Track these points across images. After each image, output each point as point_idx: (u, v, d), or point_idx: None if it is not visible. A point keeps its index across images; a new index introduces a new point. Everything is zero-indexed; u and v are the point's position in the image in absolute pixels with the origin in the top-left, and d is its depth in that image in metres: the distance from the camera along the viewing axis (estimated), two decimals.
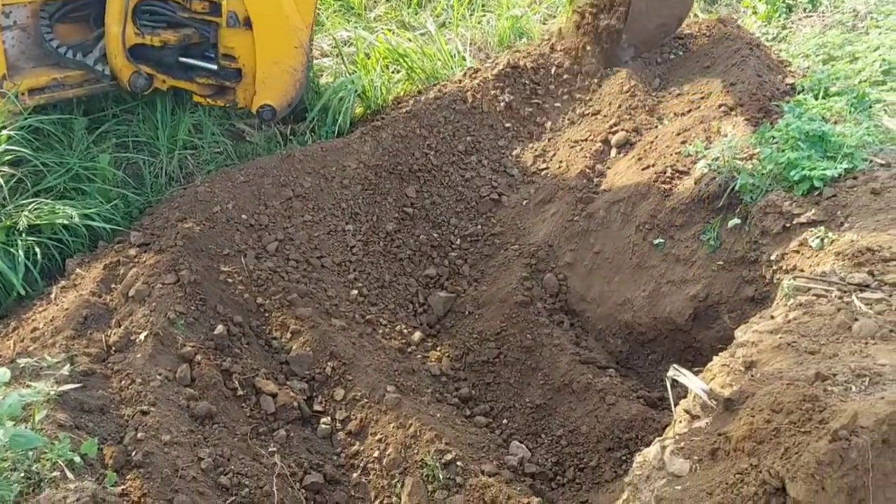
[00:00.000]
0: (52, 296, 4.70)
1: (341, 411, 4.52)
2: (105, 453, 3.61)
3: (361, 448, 4.38)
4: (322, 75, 7.16)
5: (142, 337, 4.30)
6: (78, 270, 4.89)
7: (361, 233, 5.70)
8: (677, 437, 2.87)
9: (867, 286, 3.50)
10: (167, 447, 3.75)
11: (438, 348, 5.30)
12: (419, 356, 5.15)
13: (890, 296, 3.37)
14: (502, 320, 5.20)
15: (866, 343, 3.05)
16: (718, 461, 2.64)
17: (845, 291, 3.49)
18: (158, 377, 4.11)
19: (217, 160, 6.06)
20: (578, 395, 4.72)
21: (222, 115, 6.32)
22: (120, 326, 4.41)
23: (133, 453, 3.66)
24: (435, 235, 5.95)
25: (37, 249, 4.85)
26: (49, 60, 5.52)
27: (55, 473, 3.15)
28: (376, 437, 4.36)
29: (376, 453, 4.30)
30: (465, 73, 6.87)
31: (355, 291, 5.35)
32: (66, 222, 5.01)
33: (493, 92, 6.65)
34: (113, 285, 4.72)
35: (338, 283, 5.35)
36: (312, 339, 4.74)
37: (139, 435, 3.74)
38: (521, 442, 4.66)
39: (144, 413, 3.86)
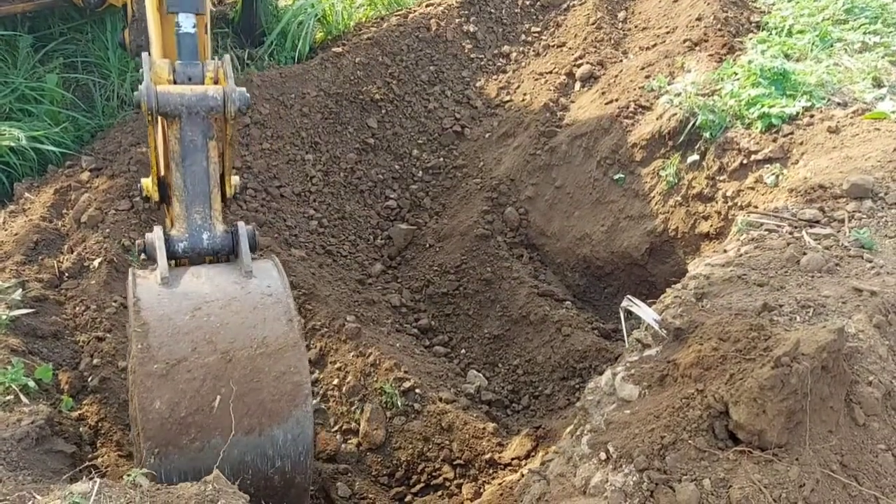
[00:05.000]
0: (1, 220, 4.56)
1: None
2: (60, 379, 3.58)
3: (321, 376, 4.42)
4: None
5: (95, 263, 4.22)
6: (27, 195, 4.75)
7: (321, 163, 5.62)
8: (628, 364, 2.95)
9: (817, 222, 3.59)
10: (124, 373, 3.73)
11: (399, 280, 5.32)
12: (379, 287, 5.17)
13: (838, 231, 3.47)
14: (463, 253, 5.23)
15: (813, 276, 3.15)
16: (666, 387, 2.73)
17: (796, 227, 3.58)
18: (114, 304, 4.06)
19: None
20: (535, 327, 4.81)
21: None
22: (72, 252, 4.32)
23: (89, 379, 3.64)
24: (396, 167, 5.90)
25: None
26: None
27: (9, 397, 3.12)
28: (336, 366, 4.40)
29: (336, 381, 4.35)
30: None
31: (315, 222, 5.30)
32: (12, 145, 4.83)
33: (457, 20, 6.50)
34: (64, 210, 4.60)
35: (297, 213, 5.30)
36: None
37: (95, 361, 3.71)
38: (479, 371, 4.75)
39: (100, 339, 3.83)
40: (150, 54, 2.91)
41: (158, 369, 2.33)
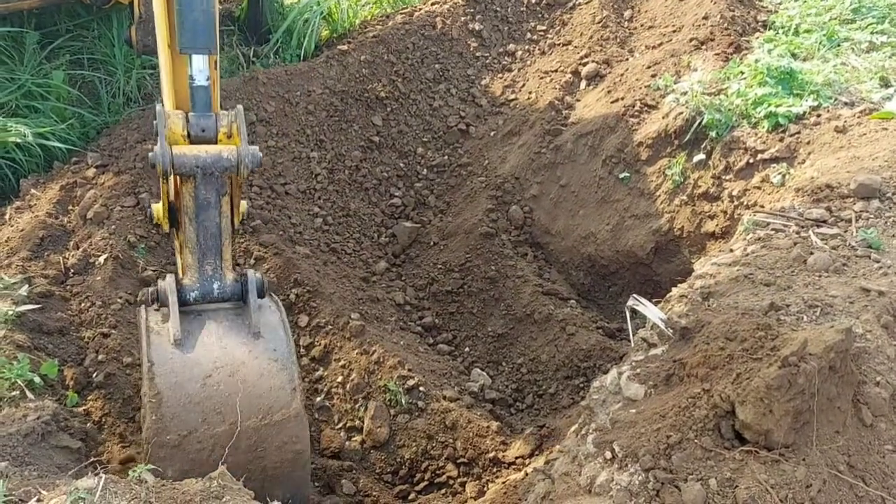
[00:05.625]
0: (7, 216, 4.57)
1: (305, 338, 4.54)
2: (66, 374, 3.59)
3: (325, 373, 4.42)
4: None
5: (101, 260, 4.23)
6: (33, 191, 4.76)
7: (326, 160, 5.62)
8: (634, 363, 2.95)
9: (824, 222, 3.58)
10: (129, 369, 3.74)
11: (403, 278, 5.32)
12: (383, 285, 5.16)
13: (845, 231, 3.45)
14: (467, 251, 5.23)
15: (820, 276, 3.14)
16: (672, 386, 2.72)
17: (803, 226, 3.56)
18: (119, 300, 4.06)
19: None
20: (539, 326, 4.81)
21: None
22: (78, 249, 4.32)
23: (94, 375, 3.65)
24: (401, 165, 5.89)
25: None
26: None
27: (14, 393, 3.12)
28: (340, 363, 4.40)
29: (340, 378, 4.34)
30: None
31: (320, 220, 5.31)
32: (19, 141, 4.84)
33: (463, 18, 6.50)
34: (70, 207, 4.61)
35: (302, 210, 5.30)
36: (276, 265, 4.71)
37: (100, 357, 3.72)
38: (483, 369, 4.75)
39: (105, 335, 3.84)
40: (162, 105, 2.96)
41: (171, 440, 2.53)
